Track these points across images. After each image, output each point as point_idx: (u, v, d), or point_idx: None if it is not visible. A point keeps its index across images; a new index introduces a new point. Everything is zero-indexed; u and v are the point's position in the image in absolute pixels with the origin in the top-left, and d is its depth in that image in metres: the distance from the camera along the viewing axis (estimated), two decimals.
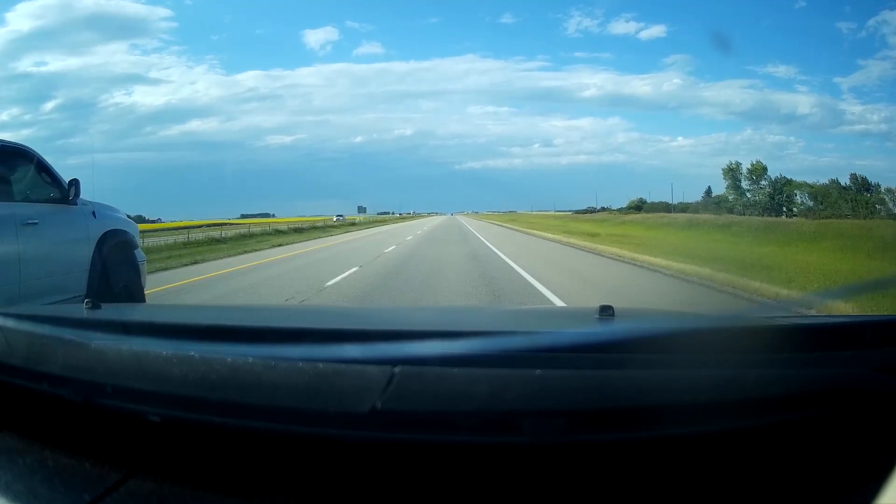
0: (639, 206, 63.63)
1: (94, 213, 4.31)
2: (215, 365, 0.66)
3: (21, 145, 3.98)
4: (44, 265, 3.72)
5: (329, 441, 0.65)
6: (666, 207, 57.42)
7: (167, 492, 0.67)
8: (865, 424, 0.67)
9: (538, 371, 0.61)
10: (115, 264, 4.31)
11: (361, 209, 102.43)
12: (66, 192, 4.04)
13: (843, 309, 4.00)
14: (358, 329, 1.11)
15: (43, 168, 4.01)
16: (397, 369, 0.61)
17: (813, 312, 1.89)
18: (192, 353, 0.68)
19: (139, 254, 4.81)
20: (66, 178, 4.14)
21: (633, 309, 2.45)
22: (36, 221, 3.71)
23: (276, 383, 0.64)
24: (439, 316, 1.71)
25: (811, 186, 45.84)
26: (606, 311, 1.00)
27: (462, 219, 72.05)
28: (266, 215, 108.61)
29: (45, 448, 0.76)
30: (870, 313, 3.56)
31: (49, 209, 3.92)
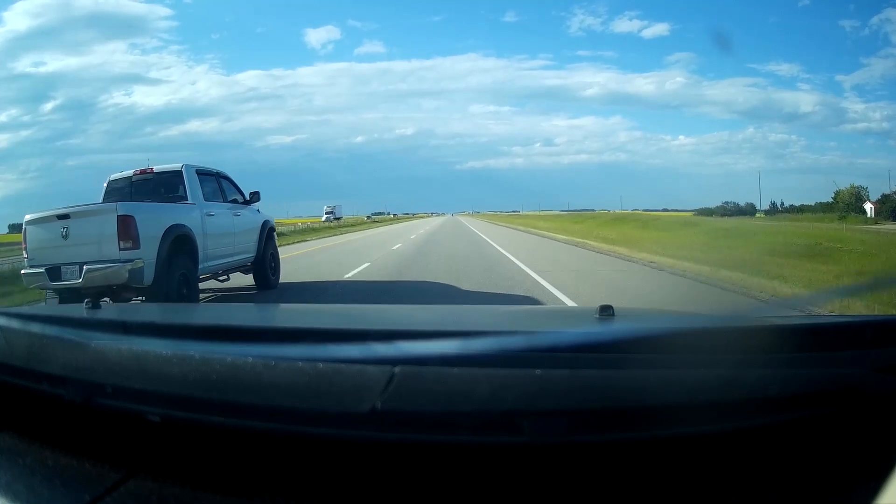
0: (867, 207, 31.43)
1: (258, 210, 7.65)
2: (215, 365, 0.66)
3: (220, 170, 7.11)
4: (243, 238, 7.02)
5: (329, 441, 0.65)
6: None
7: (167, 492, 0.67)
8: (865, 424, 0.67)
9: (538, 371, 0.61)
10: (268, 240, 7.68)
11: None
12: (245, 197, 7.35)
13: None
14: (358, 329, 1.11)
15: (232, 182, 7.24)
16: (397, 369, 0.61)
17: (813, 312, 1.89)
18: (192, 353, 0.68)
19: (275, 235, 8.20)
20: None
21: (633, 309, 2.45)
22: (238, 214, 7.02)
23: (276, 383, 0.64)
24: (439, 316, 1.71)
25: None
26: (606, 311, 0.99)
27: (470, 225, 39.37)
28: None
29: (45, 448, 0.76)
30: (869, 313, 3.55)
31: (240, 207, 7.17)
